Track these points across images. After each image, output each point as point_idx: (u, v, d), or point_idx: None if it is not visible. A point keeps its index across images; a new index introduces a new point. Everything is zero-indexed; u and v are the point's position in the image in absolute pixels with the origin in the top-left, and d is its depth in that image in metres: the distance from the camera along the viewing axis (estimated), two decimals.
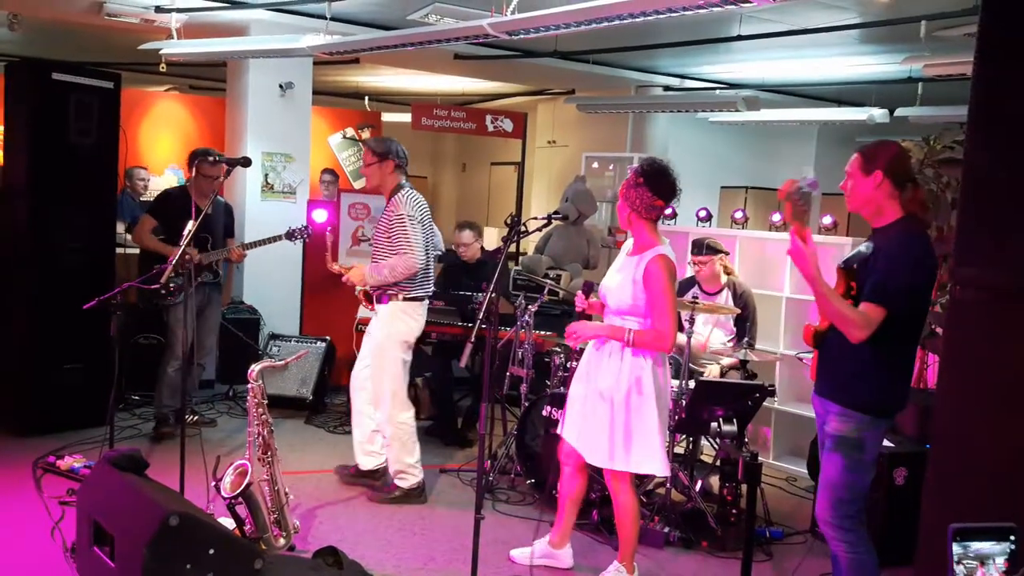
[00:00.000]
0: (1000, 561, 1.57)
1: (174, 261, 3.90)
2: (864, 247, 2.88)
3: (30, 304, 5.08)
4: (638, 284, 3.32)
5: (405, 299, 4.27)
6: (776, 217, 5.68)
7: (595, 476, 3.79)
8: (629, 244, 3.52)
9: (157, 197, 5.78)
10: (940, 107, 7.15)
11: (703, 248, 4.92)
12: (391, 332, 4.28)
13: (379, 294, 4.30)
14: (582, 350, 3.82)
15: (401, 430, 4.30)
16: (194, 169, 5.08)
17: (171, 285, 3.88)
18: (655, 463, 3.38)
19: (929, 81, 6.44)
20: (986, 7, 2.29)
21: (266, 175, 6.74)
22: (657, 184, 3.34)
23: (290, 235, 5.15)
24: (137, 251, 5.41)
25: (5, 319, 5.27)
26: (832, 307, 2.77)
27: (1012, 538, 1.58)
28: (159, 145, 7.88)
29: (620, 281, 3.40)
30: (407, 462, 4.33)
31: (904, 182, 2.88)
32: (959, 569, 1.56)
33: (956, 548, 1.56)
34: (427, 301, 4.41)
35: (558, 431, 3.66)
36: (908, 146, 4.58)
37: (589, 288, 3.54)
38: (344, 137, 8.87)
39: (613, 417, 3.35)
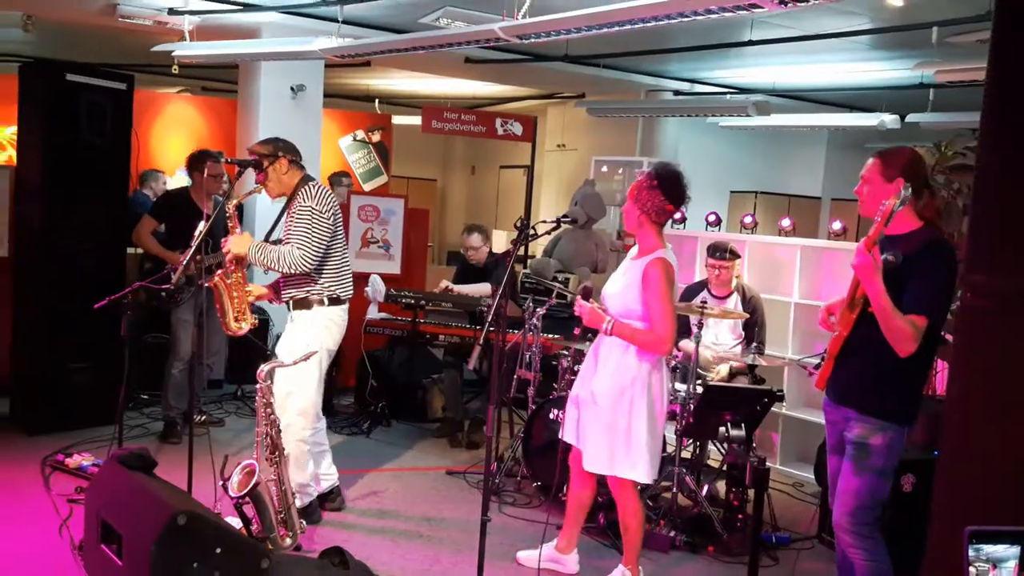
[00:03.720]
0: (1012, 564, 1.56)
1: (184, 263, 3.91)
2: (890, 256, 2.86)
3: (41, 303, 5.11)
4: (638, 287, 3.32)
5: (330, 302, 3.95)
6: (786, 222, 5.68)
7: (602, 480, 3.78)
8: (634, 249, 3.52)
9: (159, 199, 5.81)
10: (951, 113, 7.12)
11: (726, 252, 4.85)
12: (311, 341, 3.88)
13: (294, 298, 3.96)
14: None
15: (300, 448, 3.93)
16: (204, 170, 5.09)
17: (172, 287, 3.90)
18: (641, 470, 3.36)
19: (941, 87, 6.42)
20: (999, 13, 2.28)
21: None
22: (670, 188, 3.34)
23: None
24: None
25: (16, 318, 5.30)
26: (894, 323, 2.74)
27: None
28: (171, 146, 7.92)
29: (623, 284, 3.40)
30: (301, 481, 3.95)
31: (921, 189, 2.88)
32: (971, 571, 1.55)
33: (970, 551, 1.55)
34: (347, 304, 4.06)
35: (560, 435, 3.65)
36: (920, 152, 4.56)
37: (588, 293, 3.52)
38: (355, 139, 8.90)
39: (614, 421, 3.35)
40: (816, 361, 3.15)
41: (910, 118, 7.47)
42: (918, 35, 5.38)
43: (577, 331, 3.81)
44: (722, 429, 4.23)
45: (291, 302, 4.00)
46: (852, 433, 2.92)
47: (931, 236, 2.87)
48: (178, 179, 7.44)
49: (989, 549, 1.56)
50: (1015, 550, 1.56)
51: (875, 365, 2.86)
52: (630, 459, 3.34)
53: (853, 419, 2.93)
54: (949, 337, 2.90)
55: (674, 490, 4.21)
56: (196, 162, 5.16)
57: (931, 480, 2.45)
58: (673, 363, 4.53)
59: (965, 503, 2.28)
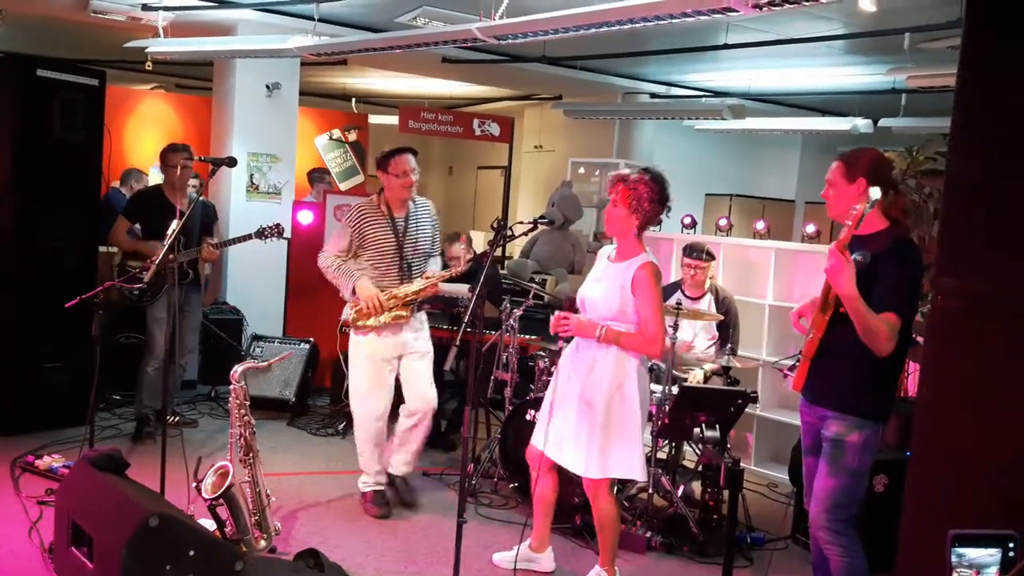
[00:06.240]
0: (994, 571, 1.57)
1: (157, 261, 3.87)
2: (859, 256, 2.90)
3: (11, 302, 5.02)
4: (626, 290, 3.33)
5: None
6: (760, 225, 5.72)
7: (576, 479, 3.79)
8: (609, 251, 3.53)
9: (131, 199, 5.75)
10: (923, 118, 7.23)
11: (702, 253, 4.89)
12: None
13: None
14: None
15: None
16: (173, 164, 5.05)
17: (144, 285, 3.86)
18: (634, 468, 3.38)
19: (912, 92, 6.51)
20: (969, 20, 2.32)
21: (251, 176, 6.72)
22: (667, 196, 3.42)
23: (260, 234, 5.10)
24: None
25: None
26: (869, 324, 2.77)
27: (1011, 545, 1.58)
28: (144, 144, 7.83)
29: (606, 289, 3.40)
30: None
31: (886, 189, 2.92)
32: None
33: (953, 556, 1.56)
34: None
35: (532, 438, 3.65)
36: (891, 156, 4.62)
37: (571, 304, 3.53)
38: (330, 138, 8.85)
39: (592, 422, 3.35)
40: (791, 363, 3.19)
41: (883, 122, 7.57)
42: (891, 40, 5.45)
43: (561, 344, 3.81)
44: (697, 430, 4.26)
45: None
46: (829, 431, 2.96)
47: (897, 235, 2.91)
48: (152, 177, 7.36)
49: (972, 553, 1.57)
50: (997, 556, 1.57)
51: (850, 365, 2.90)
52: (624, 458, 3.35)
53: (830, 417, 2.96)
54: (920, 339, 2.95)
55: (650, 491, 4.23)
56: (164, 156, 5.14)
57: (903, 480, 2.49)
58: (650, 363, 4.55)
59: (936, 503, 2.31)
